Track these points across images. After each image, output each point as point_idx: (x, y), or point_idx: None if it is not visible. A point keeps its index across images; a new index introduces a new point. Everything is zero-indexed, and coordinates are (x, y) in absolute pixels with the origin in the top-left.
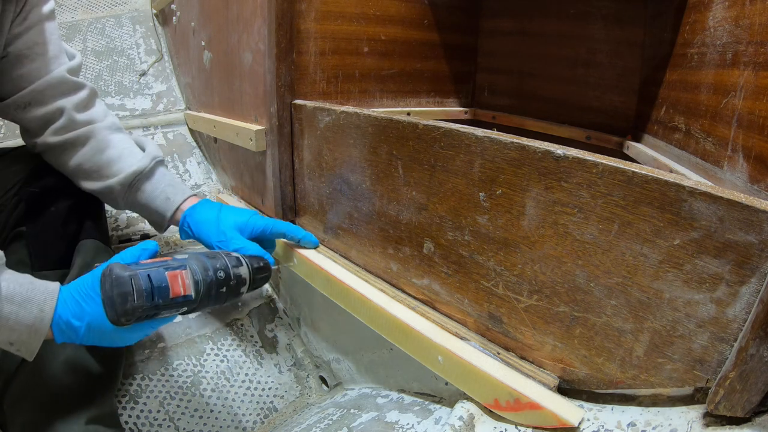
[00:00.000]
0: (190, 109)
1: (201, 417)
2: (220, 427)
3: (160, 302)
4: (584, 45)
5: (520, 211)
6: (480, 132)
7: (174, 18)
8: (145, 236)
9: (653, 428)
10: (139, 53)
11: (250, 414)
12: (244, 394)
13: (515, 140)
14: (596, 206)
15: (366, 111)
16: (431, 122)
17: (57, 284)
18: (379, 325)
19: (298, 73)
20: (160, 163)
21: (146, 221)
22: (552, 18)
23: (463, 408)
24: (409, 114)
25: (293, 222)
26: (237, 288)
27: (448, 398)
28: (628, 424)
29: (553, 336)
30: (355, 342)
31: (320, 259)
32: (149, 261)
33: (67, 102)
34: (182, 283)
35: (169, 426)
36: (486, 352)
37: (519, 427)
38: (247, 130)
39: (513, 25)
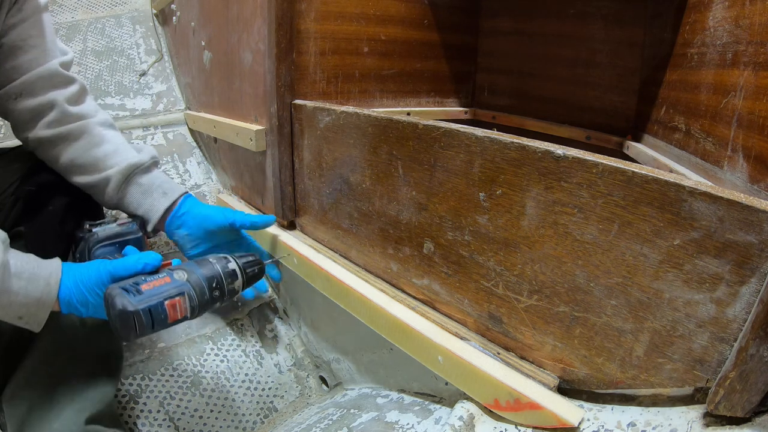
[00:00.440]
0: (190, 109)
1: (201, 417)
2: (220, 427)
3: (159, 328)
4: (584, 45)
5: (520, 211)
6: (480, 132)
7: (174, 18)
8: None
9: (653, 428)
10: (139, 53)
11: (250, 414)
12: (244, 394)
13: (515, 140)
14: (596, 206)
15: (366, 111)
16: (431, 122)
17: (57, 259)
18: (379, 325)
19: (298, 73)
20: (156, 163)
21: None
22: (552, 18)
23: (463, 408)
24: (409, 114)
25: (293, 222)
26: (231, 296)
27: (448, 398)
28: (628, 424)
29: (553, 336)
30: (355, 342)
31: (320, 259)
32: (150, 285)
33: (59, 95)
34: (180, 309)
35: (169, 426)
36: (486, 352)
37: (519, 427)
38: (247, 130)
39: (513, 25)
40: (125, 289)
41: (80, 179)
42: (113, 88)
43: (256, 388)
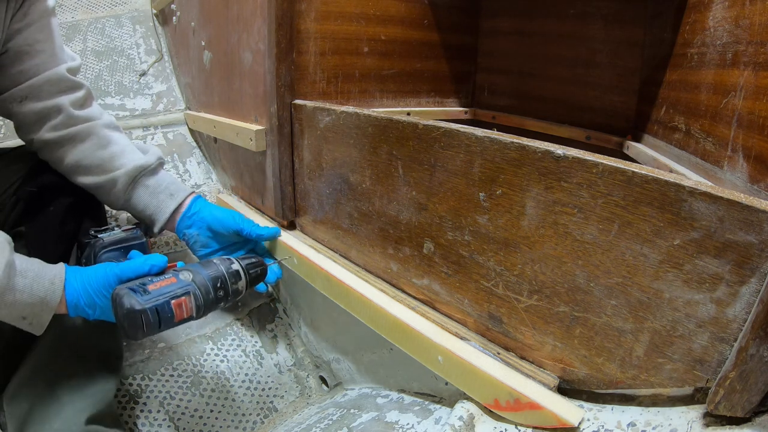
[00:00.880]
0: (190, 109)
1: (201, 417)
2: (220, 427)
3: (165, 328)
4: (584, 45)
5: (520, 211)
6: (480, 132)
7: (174, 18)
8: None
9: (653, 428)
10: (139, 53)
11: (250, 414)
12: (244, 394)
13: (515, 140)
14: (596, 206)
15: (366, 111)
16: (431, 122)
17: (62, 263)
18: (379, 325)
19: (298, 73)
20: (162, 164)
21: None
22: (552, 18)
23: (463, 408)
24: (409, 114)
25: (293, 222)
26: (235, 296)
27: (448, 398)
28: (628, 424)
29: (553, 336)
30: (355, 342)
31: (320, 259)
32: (156, 286)
33: (65, 99)
34: (186, 308)
35: (169, 426)
36: (486, 352)
37: (519, 427)
38: (247, 130)
39: (513, 25)
40: (132, 290)
41: (86, 180)
42: (113, 88)
43: (256, 388)
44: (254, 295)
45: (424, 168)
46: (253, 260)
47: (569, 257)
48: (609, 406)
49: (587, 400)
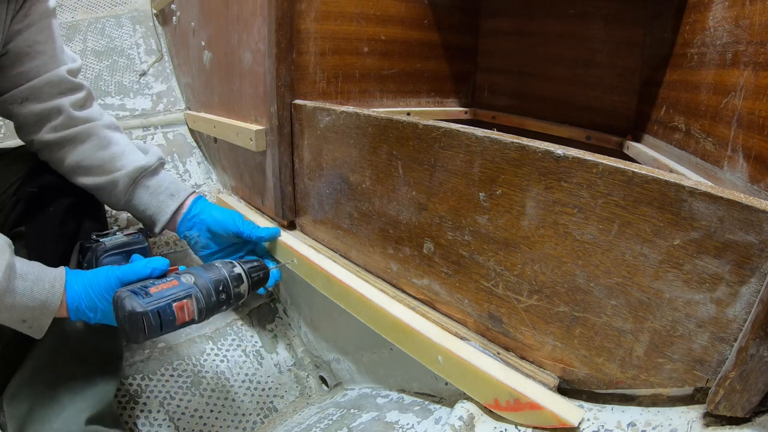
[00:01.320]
0: (190, 109)
1: (201, 417)
2: (220, 427)
3: (167, 331)
4: (584, 45)
5: (520, 211)
6: (480, 132)
7: (174, 18)
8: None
9: (653, 428)
10: (139, 53)
11: (250, 414)
12: (244, 394)
13: (515, 140)
14: (596, 206)
15: (366, 111)
16: (431, 122)
17: (62, 267)
18: (379, 325)
19: (298, 73)
20: (163, 164)
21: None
22: (552, 18)
23: (463, 408)
24: (409, 114)
25: (293, 222)
26: (237, 300)
27: (448, 398)
28: (628, 424)
29: (553, 336)
30: (355, 342)
31: (320, 259)
32: (158, 288)
33: (66, 100)
34: (187, 311)
35: (169, 426)
36: (486, 352)
37: (519, 427)
38: (247, 130)
39: (513, 25)
40: (134, 292)
41: (86, 180)
42: (113, 88)
43: (256, 388)
44: (254, 296)
45: (424, 168)
46: (256, 264)
47: (569, 257)
48: (609, 406)
49: (587, 400)
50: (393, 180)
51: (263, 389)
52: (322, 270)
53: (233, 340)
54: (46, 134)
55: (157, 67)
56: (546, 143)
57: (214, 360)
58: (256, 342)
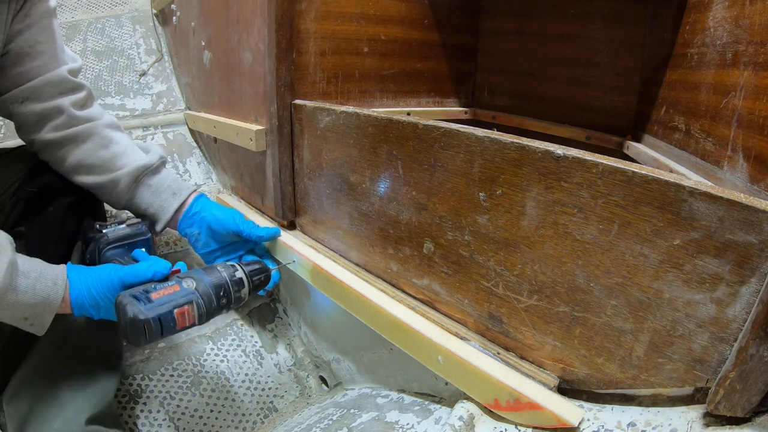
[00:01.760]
0: (190, 109)
1: (201, 417)
2: (220, 427)
3: (168, 335)
4: (584, 45)
5: (520, 211)
6: (480, 132)
7: (174, 18)
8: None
9: (653, 428)
10: (139, 53)
11: (250, 414)
12: (244, 394)
13: (515, 140)
14: (596, 206)
15: (366, 111)
16: (431, 122)
17: (63, 265)
18: (379, 325)
19: (298, 73)
20: (164, 163)
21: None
22: (552, 18)
23: (463, 408)
24: (409, 114)
25: (293, 222)
26: (237, 303)
27: (448, 398)
28: (628, 424)
29: (553, 336)
30: (355, 342)
31: (320, 259)
32: (159, 294)
33: (66, 100)
34: (188, 316)
35: (169, 426)
36: (486, 352)
37: (519, 427)
38: (247, 130)
39: (513, 25)
40: (136, 297)
41: (88, 179)
42: (113, 88)
43: (256, 388)
44: (254, 296)
45: (424, 168)
46: (257, 267)
47: (569, 257)
48: (609, 406)
49: (587, 400)
50: (393, 180)
51: (263, 389)
52: (322, 270)
53: (233, 340)
54: (47, 133)
55: (157, 67)
56: (546, 143)
57: (214, 360)
58: (256, 342)
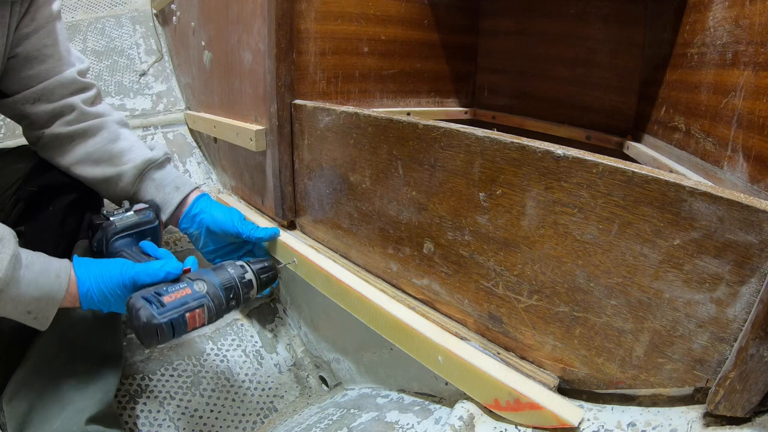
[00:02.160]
0: (190, 109)
1: (201, 417)
2: (220, 427)
3: (178, 336)
4: (584, 45)
5: (520, 211)
6: (480, 132)
7: (174, 18)
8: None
9: (653, 428)
10: (139, 53)
11: (250, 414)
12: (244, 394)
13: (515, 140)
14: (596, 206)
15: (366, 111)
16: (431, 122)
17: (66, 260)
18: (379, 325)
19: (298, 73)
20: (169, 159)
21: None
22: (552, 18)
23: (463, 408)
24: (409, 114)
25: (293, 222)
26: (245, 303)
27: (448, 398)
28: (628, 424)
29: (553, 336)
30: (355, 342)
31: (320, 259)
32: (172, 297)
33: (77, 98)
34: (199, 319)
35: (169, 426)
36: (486, 352)
37: (519, 427)
38: (247, 130)
39: (513, 25)
40: (148, 300)
41: (94, 171)
42: (113, 88)
43: (256, 388)
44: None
45: (424, 168)
46: (266, 266)
47: (569, 257)
48: (609, 406)
49: (587, 400)
50: (393, 180)
51: (263, 389)
52: (322, 270)
53: (233, 340)
54: (58, 128)
55: (157, 67)
56: (546, 143)
57: (214, 360)
58: (256, 342)
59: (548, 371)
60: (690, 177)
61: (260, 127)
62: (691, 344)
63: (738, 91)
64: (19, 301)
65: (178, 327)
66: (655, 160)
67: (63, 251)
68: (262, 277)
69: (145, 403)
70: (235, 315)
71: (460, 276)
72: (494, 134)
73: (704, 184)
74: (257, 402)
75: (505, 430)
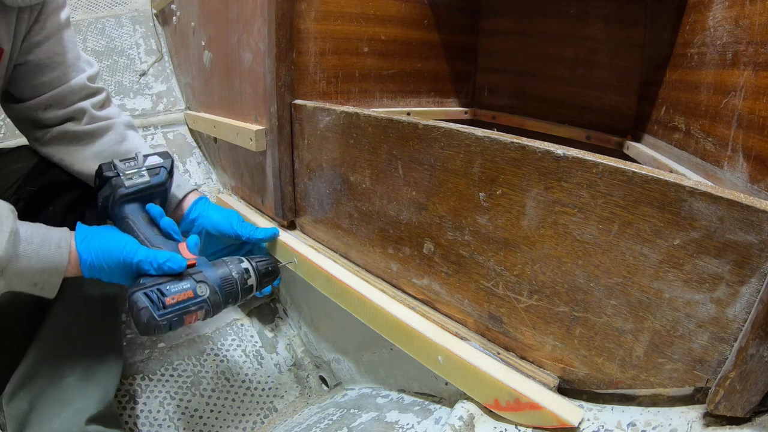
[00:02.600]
0: (190, 109)
1: (201, 417)
2: (220, 427)
3: (175, 330)
4: (584, 45)
5: (520, 211)
6: (480, 132)
7: (174, 18)
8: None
9: (653, 428)
10: (139, 53)
11: (250, 414)
12: (244, 394)
13: (515, 140)
14: (596, 206)
15: (366, 111)
16: (431, 122)
17: (66, 228)
18: (379, 325)
19: (298, 73)
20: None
21: None
22: (552, 18)
23: (463, 408)
24: (409, 114)
25: (293, 222)
26: (243, 301)
27: (448, 398)
28: (628, 424)
29: (553, 336)
30: (355, 342)
31: (320, 259)
32: (173, 299)
33: (87, 103)
34: (195, 318)
35: (169, 426)
36: (486, 352)
37: (519, 427)
38: (247, 130)
39: (513, 25)
40: (150, 299)
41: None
42: (113, 88)
43: (256, 388)
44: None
45: (424, 168)
46: (267, 264)
47: (569, 257)
48: (609, 406)
49: (587, 400)
50: (393, 180)
51: (263, 389)
52: (322, 270)
53: (233, 340)
54: (68, 126)
55: (157, 67)
56: (546, 143)
57: (214, 360)
58: (256, 342)
59: (548, 371)
60: (690, 177)
61: (260, 127)
62: (691, 344)
63: (738, 91)
64: (23, 275)
65: (174, 325)
66: (655, 160)
67: None
68: (263, 280)
69: (145, 403)
70: (235, 315)
71: (460, 276)
72: (494, 134)
73: (704, 184)
74: (257, 402)
75: (505, 430)
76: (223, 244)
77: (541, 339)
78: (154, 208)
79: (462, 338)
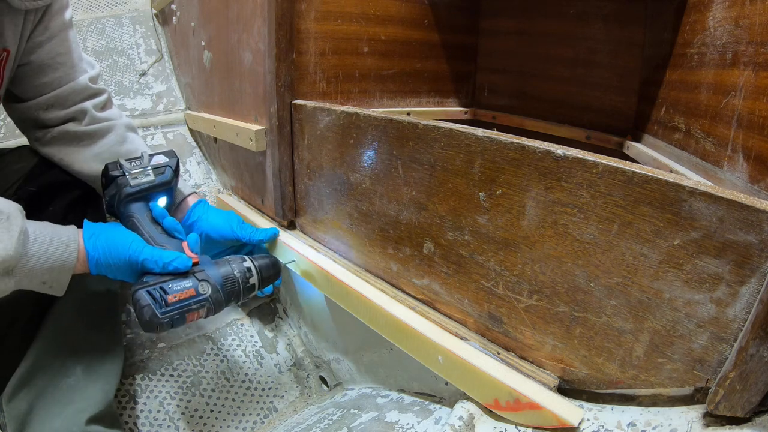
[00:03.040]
0: (190, 109)
1: (201, 417)
2: (220, 427)
3: (177, 328)
4: (584, 45)
5: (520, 211)
6: (480, 132)
7: (174, 18)
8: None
9: (653, 428)
10: (139, 53)
11: (250, 414)
12: (244, 394)
13: (515, 140)
14: (596, 206)
15: (366, 111)
16: (431, 122)
17: (73, 226)
18: (379, 325)
19: (298, 73)
20: None
21: None
22: (552, 18)
23: (463, 408)
24: (409, 114)
25: (293, 222)
26: (246, 297)
27: (448, 398)
28: (628, 424)
29: (553, 336)
30: (355, 342)
31: (320, 259)
32: (176, 297)
33: (89, 104)
34: (197, 316)
35: (169, 426)
36: (486, 352)
37: (519, 427)
38: (247, 130)
39: (513, 25)
40: (153, 297)
41: (98, 168)
42: (113, 88)
43: (256, 388)
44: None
45: (424, 168)
46: (270, 264)
47: (569, 257)
48: (609, 406)
49: (587, 400)
50: (393, 180)
51: (263, 389)
52: (322, 270)
53: (233, 340)
54: (69, 126)
55: (157, 67)
56: (546, 143)
57: (214, 360)
58: (256, 342)
59: (548, 371)
60: (690, 177)
61: (260, 127)
62: (691, 344)
63: (738, 91)
64: (33, 274)
65: (176, 323)
66: (655, 160)
67: None
68: (265, 274)
69: (145, 403)
70: (235, 315)
71: (460, 276)
72: (494, 134)
73: (704, 184)
74: (257, 402)
75: (505, 430)
76: (222, 246)
77: (541, 339)
78: (156, 208)
79: (462, 338)
